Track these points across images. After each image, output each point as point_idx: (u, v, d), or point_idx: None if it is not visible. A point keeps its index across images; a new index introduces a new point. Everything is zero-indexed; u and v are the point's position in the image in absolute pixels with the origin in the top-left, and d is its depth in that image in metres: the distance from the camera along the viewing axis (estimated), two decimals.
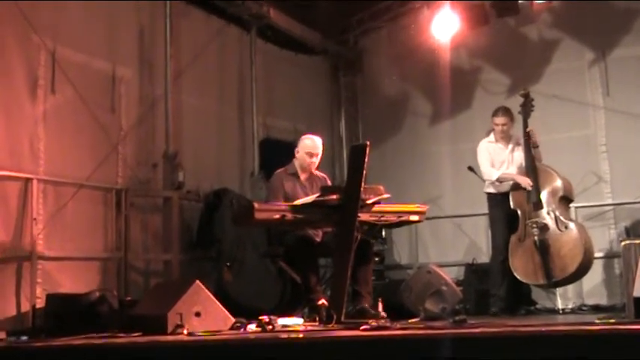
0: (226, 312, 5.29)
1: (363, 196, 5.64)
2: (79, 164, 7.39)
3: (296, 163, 6.57)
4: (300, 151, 6.51)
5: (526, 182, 7.28)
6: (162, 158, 8.20)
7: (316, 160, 6.49)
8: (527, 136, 7.36)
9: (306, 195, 6.23)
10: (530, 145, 7.38)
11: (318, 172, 6.65)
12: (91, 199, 7.53)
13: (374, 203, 5.88)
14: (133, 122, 8.07)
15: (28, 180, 6.89)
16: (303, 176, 6.54)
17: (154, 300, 5.73)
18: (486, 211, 7.74)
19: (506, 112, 7.56)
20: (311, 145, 6.51)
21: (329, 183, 6.70)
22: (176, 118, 8.46)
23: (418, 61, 10.46)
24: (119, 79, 7.98)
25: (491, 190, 7.52)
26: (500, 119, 7.52)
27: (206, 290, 5.28)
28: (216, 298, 5.34)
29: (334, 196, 5.71)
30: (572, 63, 9.68)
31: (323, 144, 6.63)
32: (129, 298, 6.53)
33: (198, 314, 5.14)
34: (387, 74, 10.97)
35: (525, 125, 7.41)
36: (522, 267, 7.25)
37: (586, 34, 9.59)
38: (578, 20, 9.66)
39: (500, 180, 7.43)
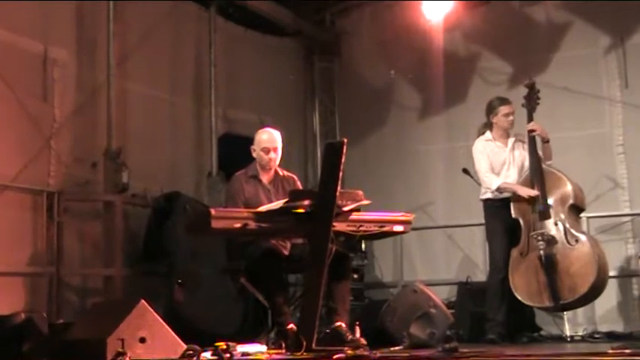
0: (177, 337, 5.26)
1: (339, 202, 5.63)
2: (3, 161, 7.32)
3: (256, 164, 6.55)
4: (257, 148, 6.52)
5: (526, 193, 7.30)
6: (103, 156, 8.16)
7: (275, 156, 6.49)
8: (531, 133, 7.38)
9: (270, 201, 6.21)
10: (534, 144, 7.40)
11: (284, 173, 6.63)
12: (17, 202, 7.47)
13: (352, 210, 5.86)
14: (68, 113, 8.02)
15: None
16: (265, 178, 6.53)
17: (91, 323, 5.69)
18: (483, 220, 7.75)
19: (508, 100, 7.61)
20: (267, 139, 6.51)
21: (298, 185, 6.68)
22: (120, 109, 8.42)
23: (406, 45, 10.48)
24: (52, 61, 7.91)
25: (490, 195, 7.53)
26: (510, 107, 7.54)
27: (153, 312, 5.25)
28: (166, 321, 5.31)
29: (305, 202, 5.69)
30: (584, 50, 9.74)
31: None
32: (61, 321, 6.47)
33: (143, 340, 5.11)
34: (369, 60, 10.98)
35: (530, 120, 7.44)
36: (525, 286, 7.26)
37: (601, 16, 9.65)
38: (591, 0, 9.70)
39: (500, 190, 7.45)
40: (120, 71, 8.43)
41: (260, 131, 6.65)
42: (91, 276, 8.11)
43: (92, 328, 5.49)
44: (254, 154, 6.55)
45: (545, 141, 7.42)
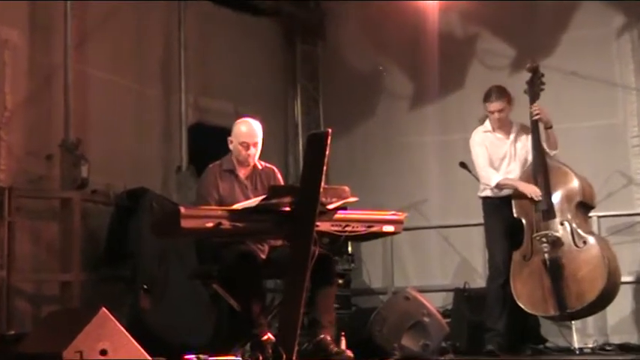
0: (142, 349, 5.25)
1: (322, 199, 5.63)
2: None
3: (232, 156, 6.54)
4: (234, 141, 6.51)
5: (533, 192, 7.31)
6: (59, 148, 8.14)
7: (254, 152, 6.48)
8: (535, 120, 7.39)
9: (247, 198, 6.20)
10: (538, 131, 7.41)
11: (264, 164, 6.62)
12: None
13: (337, 209, 5.87)
14: (21, 100, 8.00)
15: None
16: (242, 173, 6.53)
17: (46, 334, 5.67)
18: (482, 220, 7.78)
19: (500, 94, 7.58)
20: (246, 132, 6.50)
21: (279, 179, 6.68)
22: (79, 96, 8.40)
23: (397, 26, 10.48)
24: (2, 43, 7.89)
25: (489, 193, 7.56)
26: (494, 105, 7.54)
27: (115, 321, 5.24)
28: (129, 331, 5.30)
29: (286, 199, 5.69)
30: (595, 30, 9.74)
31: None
32: (12, 332, 6.46)
33: (104, 352, 5.10)
34: (356, 43, 10.97)
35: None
36: (528, 293, 7.29)
37: None
38: None
39: (500, 187, 7.47)
40: (78, 54, 8.41)
41: (239, 122, 6.62)
42: (45, 282, 8.09)
43: (47, 339, 5.47)
44: (230, 146, 6.54)
45: (548, 127, 7.43)
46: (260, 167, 6.61)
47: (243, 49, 10.51)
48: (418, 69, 10.49)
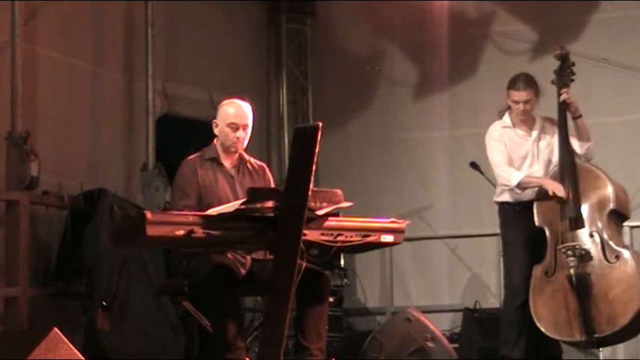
0: None
1: (311, 204, 5.62)
2: None
3: (217, 144, 6.54)
4: (220, 124, 6.50)
5: (559, 190, 7.30)
6: (5, 141, 8.12)
7: (244, 136, 6.46)
8: (563, 108, 7.39)
9: (234, 190, 6.25)
10: (566, 125, 7.40)
11: (252, 159, 6.62)
12: None
13: (328, 215, 5.86)
14: None
15: None
16: (228, 162, 6.51)
17: None
18: (497, 229, 7.78)
19: (528, 82, 7.58)
20: (234, 113, 6.49)
21: (269, 177, 6.66)
22: (28, 81, 8.38)
23: (399, 2, 10.47)
24: None
25: (507, 198, 7.55)
26: (520, 94, 7.55)
27: (69, 343, 5.24)
28: (85, 355, 5.29)
29: (268, 204, 5.68)
30: (631, 10, 9.75)
31: (254, 123, 6.60)
32: None
33: None
34: (351, 21, 10.98)
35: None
36: (550, 315, 7.29)
37: None
38: None
39: (522, 186, 7.45)
40: (28, 32, 8.38)
41: (225, 102, 6.60)
42: None
43: None
44: (215, 131, 6.51)
45: (577, 116, 7.42)
46: (247, 158, 6.60)
47: (220, 27, 10.52)
48: (424, 53, 10.51)
